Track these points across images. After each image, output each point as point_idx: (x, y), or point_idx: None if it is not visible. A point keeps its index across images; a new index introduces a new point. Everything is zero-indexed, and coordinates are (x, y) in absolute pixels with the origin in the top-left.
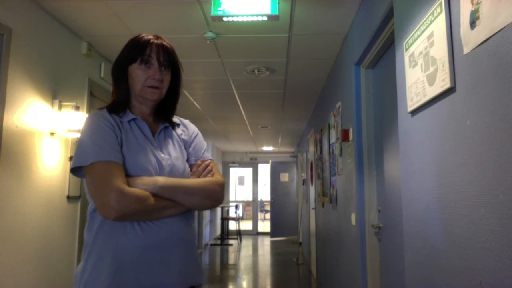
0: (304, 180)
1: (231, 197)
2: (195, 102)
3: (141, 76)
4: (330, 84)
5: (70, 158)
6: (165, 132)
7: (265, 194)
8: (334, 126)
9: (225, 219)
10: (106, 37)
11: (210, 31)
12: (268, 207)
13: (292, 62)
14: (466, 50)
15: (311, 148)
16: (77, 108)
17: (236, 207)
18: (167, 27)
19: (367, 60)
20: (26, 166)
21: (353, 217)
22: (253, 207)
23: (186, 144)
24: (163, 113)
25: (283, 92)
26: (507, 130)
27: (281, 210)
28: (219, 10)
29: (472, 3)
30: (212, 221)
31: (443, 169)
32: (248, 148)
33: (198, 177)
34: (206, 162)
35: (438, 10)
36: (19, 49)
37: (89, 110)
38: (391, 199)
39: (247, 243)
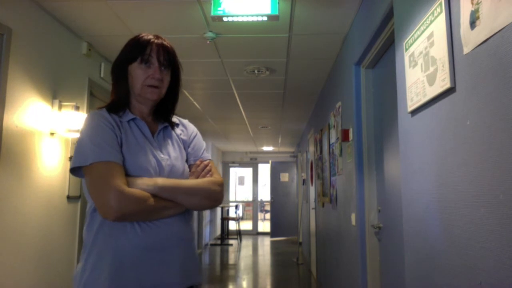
0: (304, 180)
1: (231, 197)
2: (195, 102)
3: (141, 75)
4: (330, 84)
5: (70, 158)
6: (164, 132)
7: (265, 194)
8: (334, 126)
9: (225, 219)
10: (106, 37)
11: (210, 31)
12: (268, 207)
13: (292, 62)
14: (466, 50)
15: (311, 148)
16: (77, 108)
17: (236, 207)
18: (167, 27)
19: (367, 60)
20: (26, 166)
21: (353, 217)
22: (253, 207)
23: (185, 144)
24: (162, 113)
25: (283, 92)
26: (507, 130)
27: (281, 210)
28: (219, 10)
29: (472, 3)
30: (212, 221)
31: (443, 169)
32: (248, 148)
33: (197, 177)
34: (205, 162)
35: (438, 10)
36: (19, 49)
37: (89, 110)
38: (391, 199)
39: (247, 243)
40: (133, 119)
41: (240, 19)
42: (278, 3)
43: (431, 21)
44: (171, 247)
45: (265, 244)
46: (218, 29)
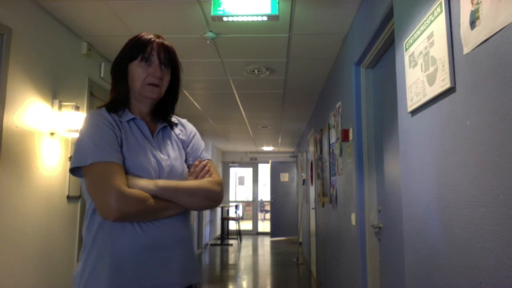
0: (304, 180)
1: (231, 197)
2: (195, 102)
3: (141, 73)
4: (330, 84)
5: (70, 158)
6: (163, 132)
7: (265, 194)
8: (334, 126)
9: (225, 219)
10: (106, 37)
11: (210, 31)
12: (268, 207)
13: (292, 62)
14: (466, 50)
15: (311, 148)
16: (77, 108)
17: (236, 207)
18: (167, 27)
19: (367, 60)
20: (26, 166)
21: (353, 217)
22: (253, 207)
23: (184, 144)
24: (162, 113)
25: (283, 92)
26: (507, 130)
27: (281, 210)
28: (219, 10)
29: (472, 3)
30: (212, 221)
31: (443, 169)
32: (248, 148)
33: (196, 177)
34: (204, 162)
35: (438, 10)
36: (19, 49)
37: (89, 110)
38: (391, 199)
39: (247, 243)
40: (133, 119)
41: (240, 19)
42: (278, 3)
43: (431, 21)
44: (171, 247)
45: (265, 244)
46: (218, 29)
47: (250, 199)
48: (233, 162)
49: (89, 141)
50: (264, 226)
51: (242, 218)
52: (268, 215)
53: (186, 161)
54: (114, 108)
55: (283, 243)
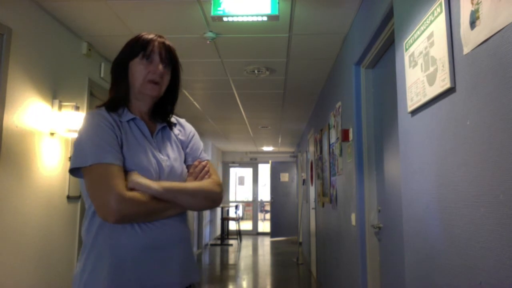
0: (304, 180)
1: (231, 197)
2: (195, 102)
3: (142, 70)
4: (330, 84)
5: (70, 158)
6: (162, 133)
7: (265, 194)
8: (334, 126)
9: (225, 219)
10: (106, 37)
11: (210, 31)
12: (268, 207)
13: (292, 62)
14: (466, 50)
15: (311, 148)
16: (77, 108)
17: (236, 207)
18: (167, 27)
19: (367, 60)
20: (26, 166)
21: (353, 217)
22: (253, 207)
23: (183, 144)
24: (161, 113)
25: (283, 92)
26: (507, 130)
27: (281, 210)
28: (219, 10)
29: (472, 3)
30: (212, 221)
31: (443, 169)
32: (248, 148)
33: (196, 177)
34: (203, 163)
35: (438, 10)
36: (19, 49)
37: (89, 110)
38: (391, 199)
39: (247, 243)
40: (133, 119)
41: (240, 19)
42: (278, 3)
43: (431, 21)
44: (171, 247)
45: (265, 244)
46: (218, 29)
47: (250, 199)
48: (233, 162)
49: (89, 142)
50: (264, 226)
51: (242, 218)
52: (268, 215)
53: (185, 161)
54: (114, 107)
55: (283, 243)
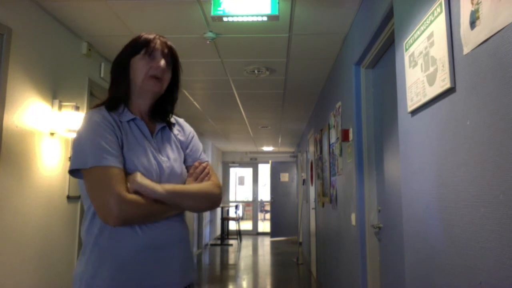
0: (304, 180)
1: (231, 197)
2: (195, 102)
3: (144, 65)
4: (330, 84)
5: (70, 158)
6: (162, 133)
7: (265, 194)
8: (334, 126)
9: (225, 219)
10: (106, 37)
11: (210, 31)
12: (268, 207)
13: (292, 62)
14: (466, 50)
15: (311, 148)
16: (77, 108)
17: (236, 207)
18: (167, 27)
19: (367, 60)
20: (26, 166)
21: (353, 217)
22: (253, 207)
23: (183, 145)
24: (161, 113)
25: (283, 92)
26: (507, 130)
27: (281, 210)
28: (219, 10)
29: (472, 3)
30: (212, 221)
31: (443, 169)
32: (248, 148)
33: (196, 179)
34: (204, 165)
35: (438, 10)
36: (19, 49)
37: (88, 110)
38: (391, 199)
39: (247, 243)
40: (133, 119)
41: (240, 19)
42: (278, 3)
43: (431, 21)
44: (171, 247)
45: (265, 244)
46: (218, 29)
47: (250, 199)
48: (233, 162)
49: (88, 142)
50: (264, 226)
51: (242, 218)
52: (268, 215)
53: (185, 162)
54: (113, 106)
55: (283, 243)
